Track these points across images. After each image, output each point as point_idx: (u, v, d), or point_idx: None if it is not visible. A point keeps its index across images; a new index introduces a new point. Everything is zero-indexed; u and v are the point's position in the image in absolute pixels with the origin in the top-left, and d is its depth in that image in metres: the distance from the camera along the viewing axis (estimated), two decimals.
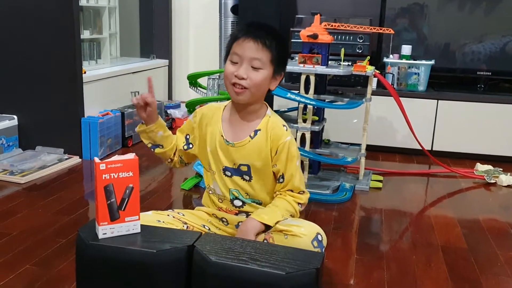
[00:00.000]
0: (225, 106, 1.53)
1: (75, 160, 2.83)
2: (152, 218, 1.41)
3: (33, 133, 2.93)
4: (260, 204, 1.52)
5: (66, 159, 2.80)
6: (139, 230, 1.21)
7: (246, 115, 1.47)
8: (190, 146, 1.55)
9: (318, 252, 1.31)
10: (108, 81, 3.23)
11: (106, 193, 1.17)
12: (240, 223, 1.47)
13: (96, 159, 1.19)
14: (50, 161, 2.72)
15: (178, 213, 1.50)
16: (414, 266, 1.79)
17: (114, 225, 1.18)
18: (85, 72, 2.96)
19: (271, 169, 1.48)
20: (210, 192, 1.55)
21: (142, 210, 2.17)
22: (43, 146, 2.91)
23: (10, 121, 2.88)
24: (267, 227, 1.39)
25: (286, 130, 1.49)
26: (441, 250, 1.92)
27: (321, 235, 1.37)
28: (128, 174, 1.18)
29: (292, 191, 1.50)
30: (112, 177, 1.16)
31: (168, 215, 1.46)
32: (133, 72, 3.53)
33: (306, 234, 1.34)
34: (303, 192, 1.52)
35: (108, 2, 3.48)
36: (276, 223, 1.39)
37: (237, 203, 1.51)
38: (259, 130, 1.46)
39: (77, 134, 2.87)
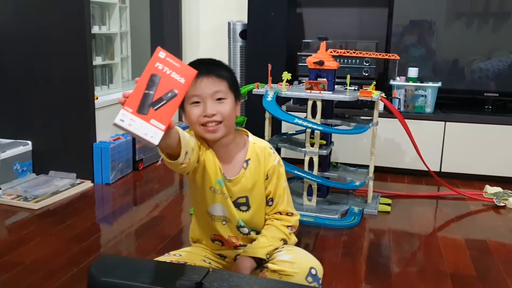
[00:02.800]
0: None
1: (87, 184, 2.88)
2: None
3: (46, 158, 2.99)
4: (258, 233, 1.51)
5: (79, 183, 2.85)
6: (157, 142, 1.00)
7: (226, 148, 1.43)
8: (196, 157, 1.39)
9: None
10: (120, 106, 3.29)
11: (149, 82, 1.02)
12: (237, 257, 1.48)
13: (160, 48, 1.06)
14: (63, 186, 2.78)
15: (175, 255, 1.48)
16: None
17: (136, 117, 0.99)
18: (97, 98, 3.03)
19: (265, 194, 1.48)
20: (210, 217, 1.47)
21: (152, 236, 2.20)
22: (56, 170, 2.97)
23: (25, 147, 2.94)
24: (260, 260, 1.40)
25: (274, 152, 1.49)
26: (450, 278, 1.92)
27: (315, 269, 1.36)
28: (180, 79, 1.04)
29: (280, 213, 1.50)
30: (164, 70, 1.03)
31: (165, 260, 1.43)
32: None
33: (298, 272, 1.33)
34: (292, 214, 1.51)
35: (119, 27, 3.56)
36: (268, 254, 1.39)
37: (244, 230, 1.48)
38: (249, 159, 1.45)
39: (89, 159, 2.92)
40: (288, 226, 1.49)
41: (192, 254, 1.50)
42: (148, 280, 1.20)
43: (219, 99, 1.36)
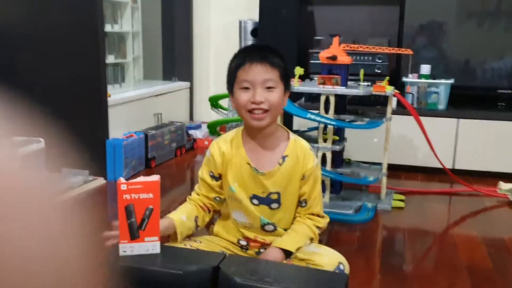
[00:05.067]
0: (240, 133, 1.46)
1: (100, 181, 2.89)
2: None
3: (59, 155, 3.00)
4: (285, 229, 1.49)
5: (91, 180, 2.86)
6: (158, 251, 1.22)
7: (266, 140, 1.43)
8: (218, 180, 1.47)
9: (342, 273, 1.31)
10: (132, 104, 3.31)
11: (127, 212, 1.21)
12: (261, 250, 1.47)
13: (121, 179, 1.22)
14: (76, 183, 2.79)
15: (195, 241, 1.47)
16: (439, 287, 1.78)
17: (133, 244, 1.21)
18: (110, 96, 3.04)
19: (298, 193, 1.47)
20: (234, 223, 1.49)
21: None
22: (68, 168, 2.98)
23: (38, 144, 2.96)
24: (288, 254, 1.39)
25: (313, 153, 1.47)
26: (466, 270, 1.90)
27: (343, 265, 1.35)
28: (148, 196, 1.21)
29: (312, 214, 1.50)
30: (132, 197, 1.20)
31: (185, 245, 1.42)
32: (156, 95, 3.61)
33: (328, 263, 1.33)
34: (323, 216, 1.51)
35: (132, 27, 3.59)
36: (298, 249, 1.39)
37: (269, 228, 1.47)
38: (287, 156, 1.43)
39: (102, 156, 2.94)
40: (317, 227, 1.49)
41: (212, 244, 1.48)
42: (166, 265, 1.20)
43: (269, 87, 1.35)
